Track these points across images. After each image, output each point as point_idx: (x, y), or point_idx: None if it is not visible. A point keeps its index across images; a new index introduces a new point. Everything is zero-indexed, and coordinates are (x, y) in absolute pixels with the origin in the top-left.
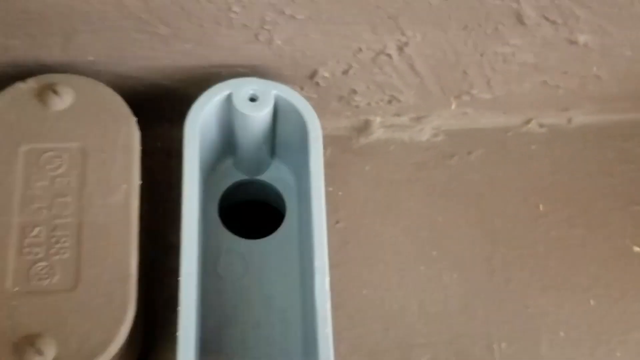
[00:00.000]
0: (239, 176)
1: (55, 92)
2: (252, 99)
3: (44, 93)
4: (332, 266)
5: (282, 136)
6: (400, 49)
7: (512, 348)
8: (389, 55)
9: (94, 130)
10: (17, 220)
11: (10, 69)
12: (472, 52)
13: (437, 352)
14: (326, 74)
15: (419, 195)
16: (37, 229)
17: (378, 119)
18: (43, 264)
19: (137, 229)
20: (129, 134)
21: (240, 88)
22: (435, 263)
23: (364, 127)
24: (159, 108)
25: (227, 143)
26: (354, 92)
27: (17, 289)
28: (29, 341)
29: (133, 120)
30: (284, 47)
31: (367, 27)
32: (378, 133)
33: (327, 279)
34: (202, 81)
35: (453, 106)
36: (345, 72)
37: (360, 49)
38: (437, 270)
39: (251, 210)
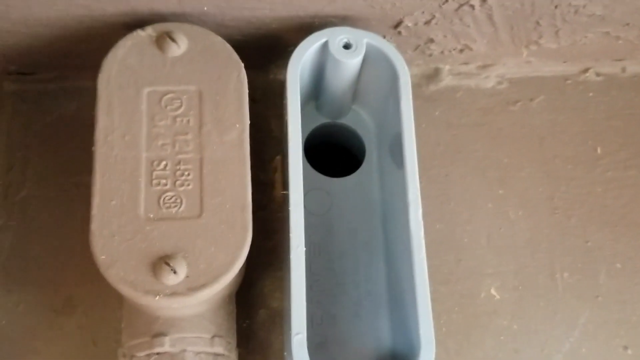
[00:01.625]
0: (321, 119)
1: (172, 39)
2: (346, 47)
3: (162, 40)
4: None
5: (366, 82)
6: (484, 0)
7: (573, 277)
8: (472, 6)
9: (207, 75)
10: (145, 155)
11: (128, 18)
12: (548, 3)
13: (504, 280)
14: (410, 24)
15: (485, 138)
16: (163, 163)
17: (447, 67)
18: (171, 193)
19: (248, 163)
20: (240, 79)
21: (336, 36)
22: (502, 201)
23: (434, 75)
24: (247, 55)
25: (313, 88)
26: (431, 41)
27: (150, 215)
28: (164, 261)
29: (242, 66)
30: None
31: None
32: (446, 80)
33: (420, 210)
34: (296, 30)
35: (524, 55)
36: (427, 23)
37: (446, 0)
38: (504, 208)
39: (331, 152)
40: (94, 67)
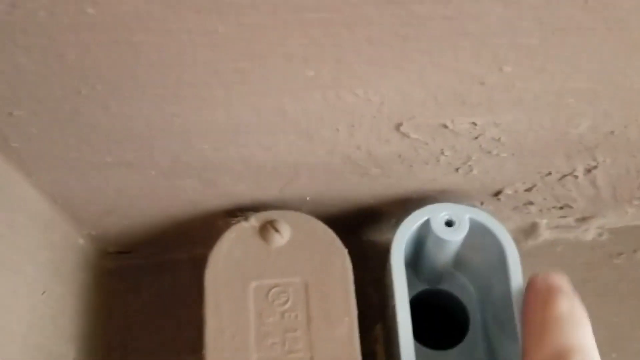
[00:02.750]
0: (420, 286)
1: (275, 229)
2: (448, 224)
3: (265, 230)
4: None
5: (468, 250)
6: (588, 171)
7: None
8: (575, 177)
9: (312, 265)
10: (256, 357)
11: (229, 207)
12: None
13: None
14: (510, 192)
15: (591, 295)
16: None
17: (544, 221)
18: None
19: (360, 356)
20: (344, 267)
21: (437, 213)
22: None
23: (531, 230)
24: (340, 221)
25: (412, 256)
26: (531, 203)
27: None
28: None
29: (346, 253)
30: (478, 176)
31: (563, 157)
32: (545, 234)
33: None
34: (393, 204)
35: (629, 212)
36: (528, 190)
37: (549, 173)
38: None
39: (431, 319)
40: (191, 242)
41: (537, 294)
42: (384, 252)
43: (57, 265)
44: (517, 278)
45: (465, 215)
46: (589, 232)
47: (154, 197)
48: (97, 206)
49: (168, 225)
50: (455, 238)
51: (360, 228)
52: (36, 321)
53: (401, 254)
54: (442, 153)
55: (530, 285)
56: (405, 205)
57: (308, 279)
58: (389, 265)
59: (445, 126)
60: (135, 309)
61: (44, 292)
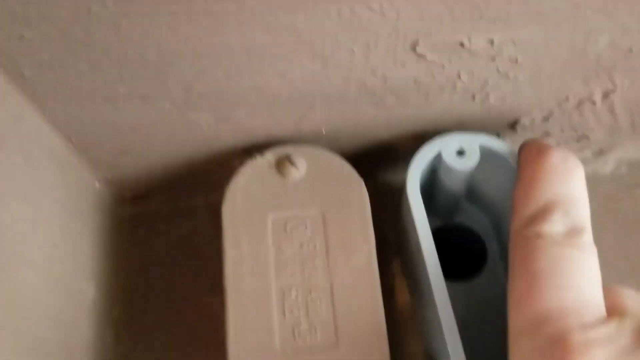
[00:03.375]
0: (434, 221)
1: (292, 163)
2: (460, 153)
3: (282, 164)
4: None
5: (481, 180)
6: (606, 95)
7: None
8: (593, 102)
9: (329, 197)
10: (276, 285)
11: (245, 143)
12: None
13: None
14: (526, 122)
15: (610, 227)
16: (293, 292)
17: None
18: (304, 323)
19: (379, 286)
20: (361, 198)
21: (447, 145)
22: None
23: None
24: (355, 162)
25: (425, 194)
26: (548, 134)
27: (286, 349)
28: None
29: (362, 184)
30: (494, 104)
31: (580, 79)
32: None
33: None
34: (409, 137)
35: None
36: (545, 119)
37: (567, 98)
38: None
39: (449, 255)
40: (207, 186)
41: (529, 150)
42: (398, 191)
43: (74, 205)
44: None
45: (475, 143)
46: (607, 165)
47: (168, 134)
48: (112, 145)
49: (184, 166)
50: (466, 167)
51: (375, 168)
52: (56, 254)
53: (417, 184)
54: (459, 77)
55: (522, 145)
56: (421, 140)
57: (325, 210)
58: (406, 195)
59: (462, 45)
60: (154, 254)
61: (61, 227)
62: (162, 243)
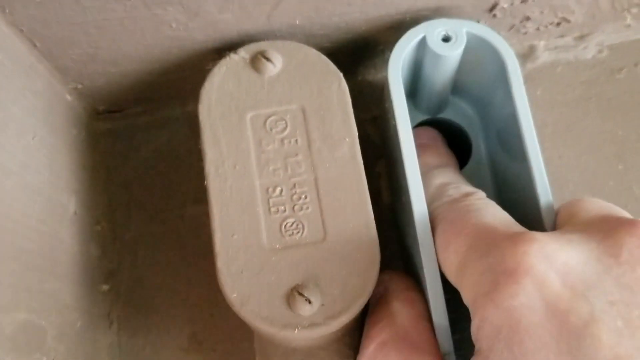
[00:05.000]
0: (420, 116)
1: (267, 58)
2: (445, 39)
3: (256, 61)
4: None
5: (465, 72)
6: None
7: None
8: None
9: (308, 90)
10: (259, 183)
11: (217, 43)
12: None
13: None
14: (505, 5)
15: (594, 112)
16: (278, 189)
17: (542, 43)
18: (291, 219)
19: (364, 178)
20: (341, 89)
21: (433, 30)
22: (623, 176)
23: (529, 53)
24: (334, 60)
25: (408, 85)
26: (527, 19)
27: (274, 245)
28: (297, 292)
29: (341, 76)
30: None
31: None
32: (543, 57)
33: (552, 201)
34: (386, 28)
35: (628, 20)
36: (524, 1)
37: None
38: (627, 183)
39: None
40: (182, 96)
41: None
42: (380, 90)
43: (45, 115)
44: (520, 92)
45: (462, 28)
46: (589, 50)
47: (136, 33)
48: (79, 49)
49: (156, 74)
50: (452, 52)
51: (355, 65)
52: (31, 163)
53: (398, 73)
54: None
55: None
56: (399, 31)
57: (305, 105)
58: (387, 86)
59: None
60: (134, 167)
61: (34, 137)
62: (141, 156)
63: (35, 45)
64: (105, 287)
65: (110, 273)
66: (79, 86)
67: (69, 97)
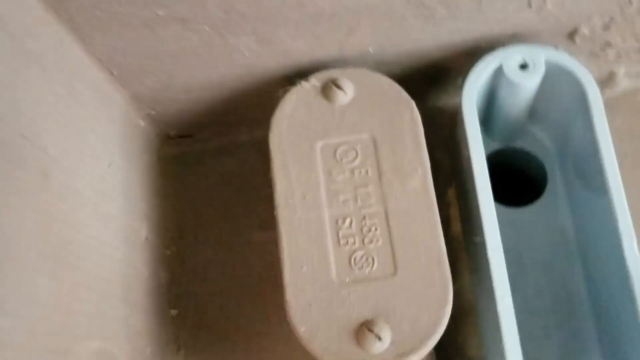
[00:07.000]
0: (494, 145)
1: (338, 86)
2: (523, 67)
3: (328, 89)
4: None
5: (543, 100)
6: None
7: None
8: None
9: (379, 119)
10: (329, 214)
11: (288, 70)
12: None
13: None
14: (586, 31)
15: None
16: (347, 220)
17: (622, 69)
18: (360, 252)
19: (436, 211)
20: (413, 119)
21: (510, 57)
22: None
23: (609, 79)
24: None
25: (482, 112)
26: (608, 45)
27: (343, 278)
28: (366, 328)
29: (413, 105)
30: (552, 11)
31: None
32: (623, 83)
33: (634, 242)
34: (460, 55)
35: None
36: (606, 27)
37: (627, 2)
38: None
39: (507, 180)
40: (251, 121)
41: None
42: (452, 116)
43: (120, 141)
44: (601, 122)
45: (540, 56)
46: None
47: (209, 61)
48: (154, 77)
49: (227, 101)
50: (530, 82)
51: (427, 92)
52: (106, 191)
53: (473, 102)
54: None
55: None
56: (474, 57)
57: (376, 134)
58: (461, 115)
59: None
60: (202, 192)
61: (110, 165)
62: (210, 181)
63: (112, 74)
64: (173, 312)
65: (178, 298)
66: (152, 112)
67: (142, 123)
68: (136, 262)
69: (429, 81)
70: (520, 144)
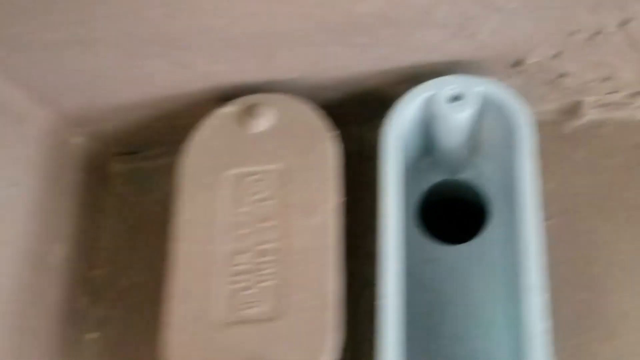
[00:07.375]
0: (439, 176)
1: (256, 114)
2: (456, 98)
3: (245, 115)
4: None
5: (486, 131)
6: (621, 25)
7: None
8: (607, 34)
9: (296, 150)
10: (224, 248)
11: (219, 92)
12: None
13: None
14: (533, 60)
15: None
16: (243, 256)
17: (590, 99)
18: (249, 292)
19: (336, 251)
20: (330, 151)
21: (442, 88)
22: None
23: (574, 109)
24: (350, 112)
25: (424, 143)
26: (565, 74)
27: (225, 319)
28: None
29: (332, 136)
30: (487, 40)
31: (584, 8)
32: (590, 114)
33: (539, 299)
34: (398, 82)
35: None
36: (555, 56)
37: (574, 32)
38: None
39: (450, 211)
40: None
41: None
42: None
43: (35, 160)
44: (525, 161)
45: (475, 87)
46: None
47: (130, 83)
48: (79, 96)
49: (167, 119)
50: (461, 114)
51: (373, 117)
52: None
53: (394, 134)
54: (433, 8)
55: None
56: (413, 83)
57: (290, 165)
58: (379, 150)
59: None
60: (145, 211)
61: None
62: (154, 199)
63: (29, 93)
64: (92, 335)
65: (99, 322)
66: (90, 129)
67: (77, 141)
68: (44, 287)
69: (370, 109)
70: (466, 176)
